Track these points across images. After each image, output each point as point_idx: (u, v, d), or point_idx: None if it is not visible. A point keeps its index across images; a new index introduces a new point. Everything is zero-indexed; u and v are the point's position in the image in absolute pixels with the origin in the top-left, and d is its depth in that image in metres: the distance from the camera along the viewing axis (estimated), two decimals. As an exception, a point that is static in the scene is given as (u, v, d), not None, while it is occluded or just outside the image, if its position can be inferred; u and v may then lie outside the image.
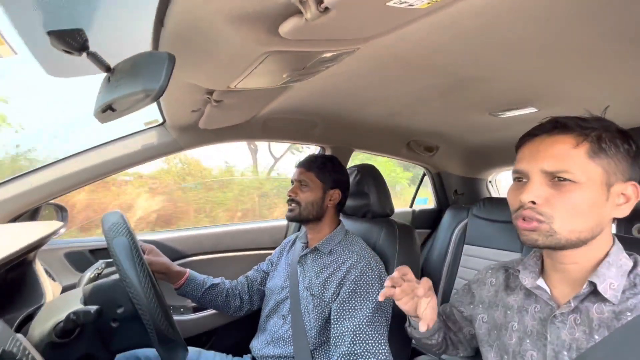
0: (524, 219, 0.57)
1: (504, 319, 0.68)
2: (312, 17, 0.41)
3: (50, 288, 0.90)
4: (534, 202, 0.55)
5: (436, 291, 1.83)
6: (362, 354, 0.85)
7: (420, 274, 1.22)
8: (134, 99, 0.45)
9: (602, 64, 0.79)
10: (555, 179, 0.55)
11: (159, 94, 0.42)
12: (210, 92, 0.78)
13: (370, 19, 0.46)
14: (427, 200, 2.23)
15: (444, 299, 1.81)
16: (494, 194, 2.23)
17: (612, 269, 0.55)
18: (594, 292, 0.56)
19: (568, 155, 0.54)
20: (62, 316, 0.67)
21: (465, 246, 1.84)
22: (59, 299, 0.76)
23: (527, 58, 0.78)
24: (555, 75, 0.88)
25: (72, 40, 0.44)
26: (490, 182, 2.23)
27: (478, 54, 0.78)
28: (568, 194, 0.53)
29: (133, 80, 0.43)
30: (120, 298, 0.70)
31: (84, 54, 0.46)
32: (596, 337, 0.54)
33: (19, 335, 0.55)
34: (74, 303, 0.72)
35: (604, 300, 0.55)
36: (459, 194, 2.06)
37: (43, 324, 0.69)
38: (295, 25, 0.44)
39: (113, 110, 0.49)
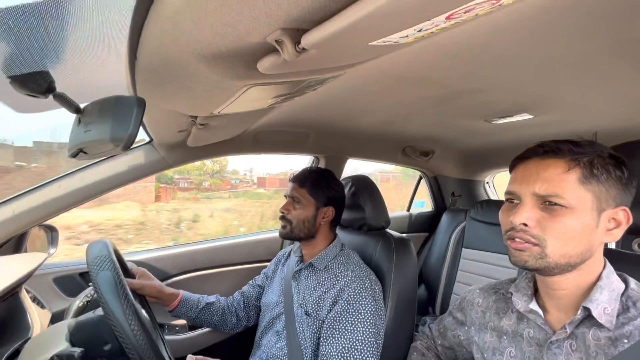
0: (514, 240, 0.57)
1: (498, 344, 0.67)
2: (289, 57, 0.38)
3: (37, 319, 0.87)
4: (525, 225, 0.55)
5: (435, 296, 1.82)
6: None
7: (418, 281, 1.20)
8: (104, 146, 0.42)
9: (598, 73, 0.78)
10: (547, 203, 0.55)
11: (129, 143, 0.40)
12: (195, 117, 0.75)
13: (352, 53, 0.43)
14: (424, 203, 2.21)
15: (444, 304, 1.80)
16: (492, 196, 2.22)
17: (604, 292, 0.55)
18: (588, 317, 0.55)
19: (559, 180, 0.54)
20: (47, 357, 0.65)
21: (463, 250, 1.82)
22: (43, 335, 0.74)
23: (522, 70, 0.76)
24: (551, 84, 0.86)
25: (37, 84, 0.41)
26: (487, 183, 2.22)
27: (472, 68, 0.76)
28: (559, 218, 0.53)
29: (101, 126, 0.40)
30: (107, 335, 0.68)
31: (50, 97, 0.43)
32: None
33: None
34: (59, 340, 0.69)
35: (598, 325, 0.54)
36: (456, 196, 2.04)
37: (28, 364, 0.67)
38: (273, 63, 0.41)
39: (85, 153, 0.46)
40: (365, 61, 0.53)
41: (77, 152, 0.45)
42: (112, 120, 0.39)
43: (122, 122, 0.39)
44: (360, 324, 0.88)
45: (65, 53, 0.47)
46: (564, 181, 0.54)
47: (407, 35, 0.35)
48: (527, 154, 0.60)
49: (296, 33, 0.36)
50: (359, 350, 0.86)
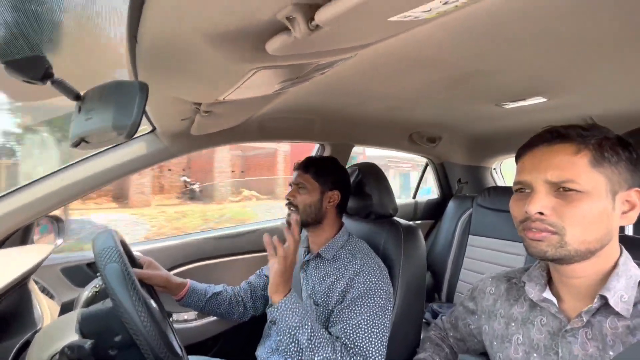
0: (531, 230, 0.55)
1: (505, 331, 0.66)
2: (301, 35, 0.35)
3: (47, 310, 0.87)
4: (541, 213, 0.54)
5: (442, 283, 1.82)
6: (350, 348, 0.83)
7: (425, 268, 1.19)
8: (107, 135, 0.40)
9: (614, 54, 0.75)
10: (561, 189, 0.53)
11: (133, 131, 0.37)
12: (198, 104, 0.72)
13: (368, 31, 0.40)
14: (430, 190, 2.19)
15: (450, 291, 1.80)
16: (499, 182, 2.19)
17: (621, 280, 0.54)
18: (604, 306, 0.54)
19: (571, 164, 0.53)
20: (58, 347, 0.65)
21: (470, 236, 1.81)
22: (54, 325, 0.74)
23: (537, 50, 0.73)
24: (565, 66, 0.83)
25: (33, 70, 0.39)
26: (494, 169, 2.19)
27: (486, 48, 0.73)
28: (576, 203, 0.52)
29: (103, 113, 0.38)
30: (117, 326, 0.68)
31: (48, 83, 0.41)
32: (611, 353, 0.52)
33: None
34: (70, 331, 0.69)
35: (615, 314, 0.53)
36: (462, 182, 2.01)
37: (39, 355, 0.67)
38: (283, 43, 0.38)
39: (87, 142, 0.44)
40: (380, 41, 0.50)
41: (79, 142, 0.43)
42: (114, 107, 0.37)
43: (124, 108, 0.36)
44: (371, 308, 0.88)
45: (61, 37, 0.44)
46: (576, 165, 0.52)
47: (430, 9, 0.32)
48: (534, 141, 0.58)
49: (309, 8, 0.33)
50: (364, 330, 0.85)
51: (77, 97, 0.43)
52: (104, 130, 0.38)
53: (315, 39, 0.39)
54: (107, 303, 0.72)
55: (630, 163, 0.54)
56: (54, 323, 0.76)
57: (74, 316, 0.73)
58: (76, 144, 0.44)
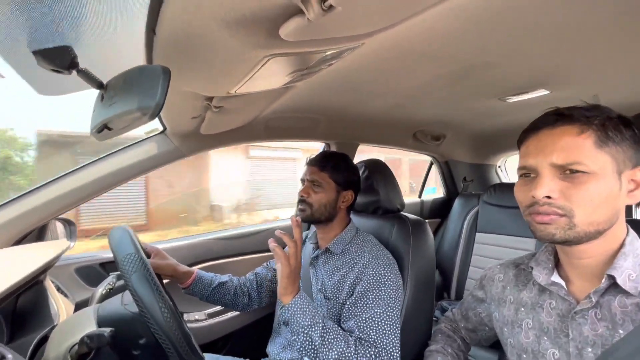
0: (539, 214, 0.55)
1: (515, 316, 0.66)
2: (315, 16, 0.37)
3: (63, 307, 0.89)
4: (549, 197, 0.54)
5: (450, 281, 1.81)
6: (364, 341, 0.84)
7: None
8: (131, 118, 0.42)
9: (617, 43, 0.76)
10: (567, 172, 0.53)
11: (157, 112, 0.39)
12: (210, 99, 0.75)
13: (376, 13, 0.42)
14: (435, 189, 2.19)
15: (459, 289, 1.79)
16: (504, 179, 2.19)
17: (628, 259, 0.54)
18: (613, 285, 0.54)
19: (576, 146, 0.53)
20: (77, 338, 0.66)
21: (477, 234, 1.81)
22: (71, 320, 0.75)
23: (540, 40, 0.74)
24: (569, 56, 0.84)
25: (60, 59, 0.41)
26: (499, 167, 2.19)
27: (488, 39, 0.74)
28: (583, 185, 0.52)
29: (127, 97, 0.40)
30: (141, 330, 0.69)
31: (74, 72, 0.43)
32: (621, 331, 0.52)
33: None
34: (88, 323, 0.70)
35: (624, 292, 0.53)
36: (468, 180, 2.02)
37: (57, 348, 0.68)
38: (297, 26, 0.40)
39: (110, 129, 0.46)
40: (388, 28, 0.52)
41: (102, 128, 0.45)
42: (138, 90, 0.39)
43: (148, 90, 0.38)
44: (382, 300, 0.88)
45: (86, 31, 0.47)
46: (581, 147, 0.52)
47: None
48: (537, 124, 0.58)
49: (323, -12, 0.35)
50: (377, 322, 0.85)
51: (100, 85, 0.45)
52: (128, 113, 0.40)
53: (327, 23, 0.41)
54: (131, 307, 0.72)
55: (633, 141, 0.54)
56: (70, 318, 0.77)
57: (90, 311, 0.75)
58: (99, 130, 0.46)
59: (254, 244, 1.45)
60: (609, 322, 0.54)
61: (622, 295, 0.54)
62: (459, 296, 1.77)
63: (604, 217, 0.53)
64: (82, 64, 0.48)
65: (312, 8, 0.36)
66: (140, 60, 0.60)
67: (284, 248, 0.89)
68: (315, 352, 0.81)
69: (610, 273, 0.53)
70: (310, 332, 0.81)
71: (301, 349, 0.82)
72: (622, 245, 0.56)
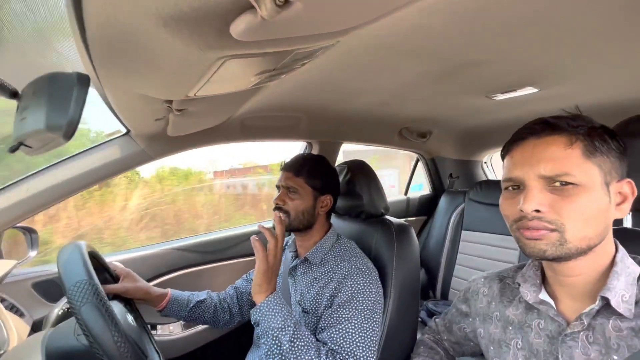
0: (528, 229, 0.51)
1: (503, 335, 0.63)
2: (268, 13, 0.30)
3: (14, 330, 0.80)
4: (538, 211, 0.50)
5: (436, 280, 1.80)
6: (337, 353, 0.79)
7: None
8: (43, 137, 0.34)
9: (607, 41, 0.73)
10: (557, 184, 0.50)
11: (71, 131, 0.32)
12: (170, 101, 0.66)
13: (345, 10, 0.35)
14: (421, 186, 2.16)
15: (444, 287, 1.78)
16: (490, 176, 2.17)
17: (621, 278, 0.51)
18: (605, 306, 0.51)
19: (564, 156, 0.50)
20: None
21: (463, 232, 1.79)
22: (16, 351, 0.67)
23: (528, 37, 0.70)
24: (558, 54, 0.80)
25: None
26: (485, 163, 2.17)
27: (474, 36, 0.68)
28: (574, 197, 0.49)
29: (36, 111, 0.32)
30: None
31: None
32: (615, 357, 0.49)
33: None
34: (34, 356, 0.63)
35: (617, 314, 0.50)
36: (454, 177, 1.99)
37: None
38: (249, 25, 0.33)
39: (29, 146, 0.38)
40: (361, 25, 0.46)
41: (17, 147, 0.37)
42: (47, 103, 0.31)
43: (59, 104, 0.30)
44: (359, 312, 0.83)
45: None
46: (569, 157, 0.49)
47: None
48: (522, 134, 0.54)
49: (274, -20, 0.28)
50: (352, 334, 0.81)
51: (13, 94, 0.37)
52: (38, 132, 0.32)
53: (286, 21, 0.34)
54: (84, 338, 0.65)
55: (619, 152, 0.52)
56: (16, 350, 0.69)
57: (37, 342, 0.66)
58: (14, 149, 0.37)
59: (232, 248, 1.38)
60: (602, 347, 0.50)
61: (616, 318, 0.50)
62: (445, 295, 1.76)
63: (595, 232, 0.50)
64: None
65: (264, 3, 0.29)
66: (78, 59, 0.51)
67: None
68: (282, 358, 0.75)
69: (604, 294, 0.50)
70: (279, 336, 0.75)
71: (268, 353, 0.77)
72: (613, 263, 0.52)
